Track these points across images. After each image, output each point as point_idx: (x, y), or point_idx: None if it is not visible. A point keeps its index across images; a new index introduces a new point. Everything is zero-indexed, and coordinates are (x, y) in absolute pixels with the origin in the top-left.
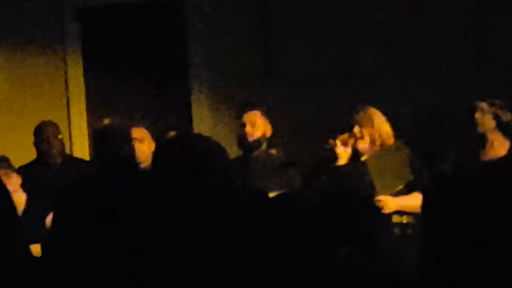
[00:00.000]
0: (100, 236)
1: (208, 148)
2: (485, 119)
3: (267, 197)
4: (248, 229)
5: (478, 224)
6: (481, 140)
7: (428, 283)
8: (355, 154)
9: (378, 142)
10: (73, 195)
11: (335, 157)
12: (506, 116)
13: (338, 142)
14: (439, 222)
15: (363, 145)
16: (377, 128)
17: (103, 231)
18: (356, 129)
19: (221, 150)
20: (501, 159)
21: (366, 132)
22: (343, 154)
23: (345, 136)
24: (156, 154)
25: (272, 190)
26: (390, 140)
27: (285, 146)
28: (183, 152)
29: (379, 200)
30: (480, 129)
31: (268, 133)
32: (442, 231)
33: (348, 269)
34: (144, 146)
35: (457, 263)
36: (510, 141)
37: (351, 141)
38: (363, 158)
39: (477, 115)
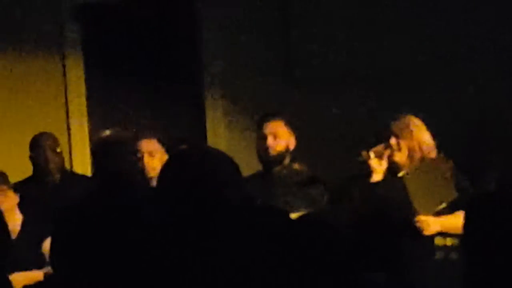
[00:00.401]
0: (102, 263)
1: (217, 166)
2: None
3: (289, 218)
4: (266, 255)
5: None
6: None
7: None
8: (392, 168)
9: (417, 155)
10: (71, 220)
11: (368, 171)
12: None
13: (371, 154)
14: (482, 246)
15: (400, 158)
16: (416, 139)
17: (105, 256)
18: (393, 140)
19: (233, 168)
20: None
21: (404, 143)
22: (378, 167)
23: (380, 147)
24: (161, 171)
25: (296, 209)
26: (432, 153)
27: (310, 159)
28: (187, 170)
29: (419, 221)
30: None
31: (292, 145)
32: (486, 256)
33: None
34: (155, 161)
35: None
36: None
37: (387, 153)
38: (400, 174)
39: None
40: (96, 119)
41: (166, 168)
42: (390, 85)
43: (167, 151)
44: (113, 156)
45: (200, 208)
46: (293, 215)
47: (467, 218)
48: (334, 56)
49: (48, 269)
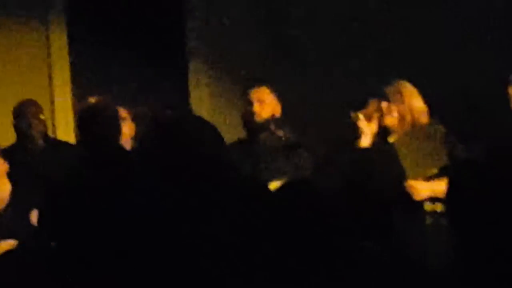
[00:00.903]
0: (93, 232)
1: (201, 133)
2: None
3: (268, 189)
4: (247, 223)
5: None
6: None
7: (457, 280)
8: (382, 132)
9: (408, 120)
10: (60, 189)
11: (357, 133)
12: None
13: (361, 116)
14: (466, 214)
15: (390, 122)
16: (407, 104)
17: (94, 225)
18: (384, 104)
19: (216, 136)
20: None
21: (394, 107)
22: (367, 129)
23: (369, 109)
24: (145, 136)
25: (280, 176)
26: (424, 119)
27: (296, 126)
28: (172, 136)
29: (409, 186)
30: None
31: (277, 112)
32: (469, 223)
33: (368, 264)
34: (124, 128)
35: (485, 262)
36: None
37: (376, 115)
38: (391, 139)
39: (510, 90)
40: (79, 87)
41: (150, 134)
42: (379, 59)
43: (134, 118)
44: (101, 122)
45: (184, 176)
46: (277, 182)
47: (450, 185)
48: (324, 27)
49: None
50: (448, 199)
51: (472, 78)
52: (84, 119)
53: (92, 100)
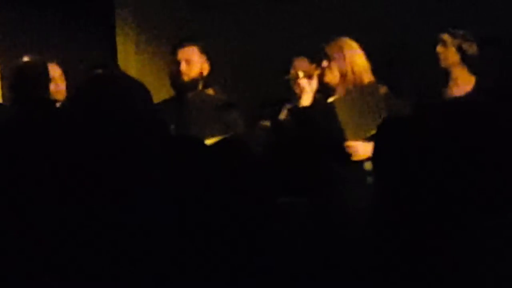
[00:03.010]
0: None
1: (131, 91)
2: (448, 53)
3: (203, 144)
4: (178, 180)
5: (436, 173)
6: (444, 76)
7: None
8: (323, 91)
9: (349, 78)
10: None
11: (296, 91)
12: (471, 49)
13: (300, 74)
14: (390, 170)
15: (331, 79)
16: (348, 61)
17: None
18: (324, 63)
19: (146, 94)
20: (465, 96)
21: (335, 65)
22: (308, 88)
23: (309, 67)
24: (76, 94)
25: (211, 135)
26: (366, 77)
27: (226, 86)
28: (103, 94)
29: (348, 146)
30: (443, 64)
31: (205, 71)
32: (394, 179)
33: (304, 223)
34: (54, 85)
35: (407, 219)
36: (475, 77)
37: (317, 73)
38: (331, 99)
39: (439, 49)
40: (3, 44)
41: (81, 92)
42: (308, 10)
43: (66, 75)
44: (34, 82)
45: (113, 135)
46: (208, 141)
47: (375, 142)
48: None
49: None
50: (373, 156)
51: (400, 36)
52: (18, 79)
53: (25, 59)
